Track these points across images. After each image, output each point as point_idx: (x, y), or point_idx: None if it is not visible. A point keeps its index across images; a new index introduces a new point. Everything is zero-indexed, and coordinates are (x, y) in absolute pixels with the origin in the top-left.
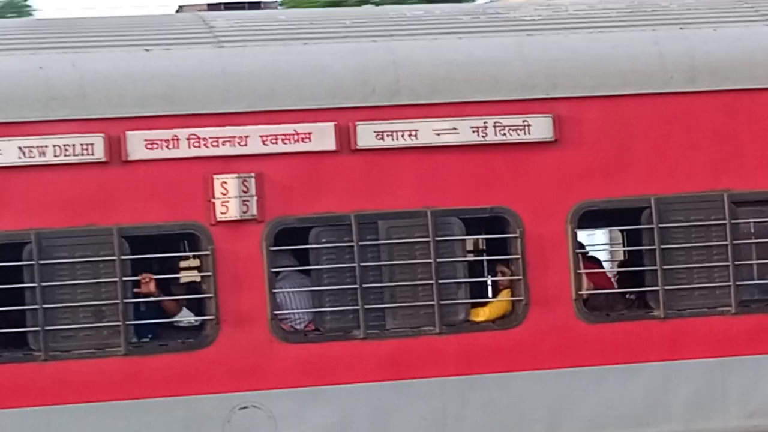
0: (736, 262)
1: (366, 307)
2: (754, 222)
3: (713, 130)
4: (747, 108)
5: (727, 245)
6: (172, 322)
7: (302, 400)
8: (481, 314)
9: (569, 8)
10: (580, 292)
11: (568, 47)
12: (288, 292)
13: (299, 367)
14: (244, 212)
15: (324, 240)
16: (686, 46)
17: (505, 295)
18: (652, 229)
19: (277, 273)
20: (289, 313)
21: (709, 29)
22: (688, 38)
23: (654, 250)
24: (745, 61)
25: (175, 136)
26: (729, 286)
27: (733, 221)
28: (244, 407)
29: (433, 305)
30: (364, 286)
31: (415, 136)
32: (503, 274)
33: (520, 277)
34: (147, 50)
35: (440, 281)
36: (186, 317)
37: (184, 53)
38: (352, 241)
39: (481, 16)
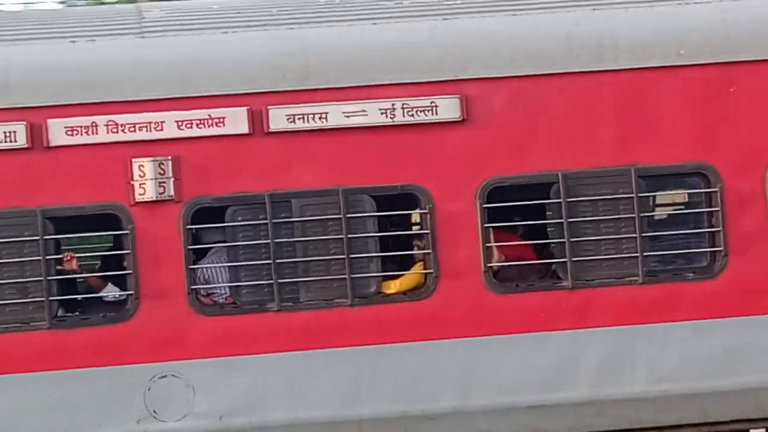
0: (643, 234)
1: (280, 281)
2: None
3: (621, 106)
4: (654, 85)
5: (634, 217)
6: (100, 296)
7: (219, 370)
8: (393, 287)
9: None
10: (489, 265)
11: (480, 30)
12: (213, 267)
13: (216, 338)
14: (161, 193)
15: (240, 218)
16: (596, 26)
17: (418, 269)
18: (560, 203)
19: (198, 250)
20: (213, 287)
21: (621, 9)
22: (598, 18)
23: (562, 223)
24: (653, 39)
25: (94, 122)
26: (636, 256)
27: (640, 194)
28: (164, 376)
29: (345, 279)
30: (278, 261)
31: (325, 118)
32: (419, 248)
33: (430, 251)
34: (72, 42)
35: (351, 256)
36: (111, 292)
37: (106, 44)
38: (266, 218)
39: (405, 1)
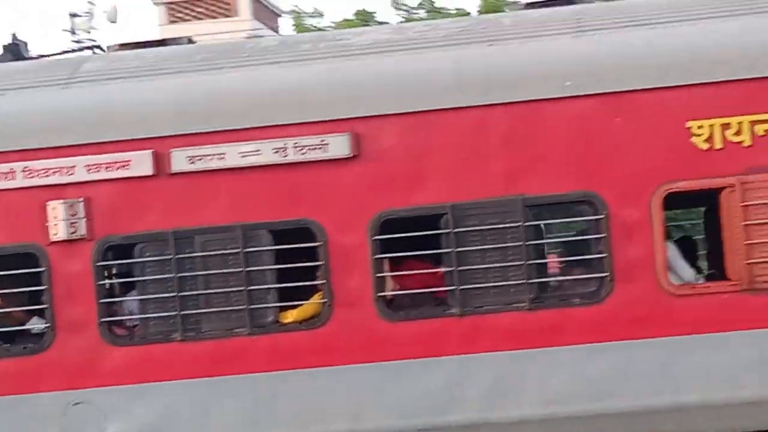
0: (529, 262)
1: (183, 312)
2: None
3: (509, 139)
4: (541, 116)
5: (521, 246)
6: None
7: (129, 396)
8: (289, 316)
9: (405, 32)
10: (380, 294)
11: (372, 71)
12: (131, 300)
13: (126, 367)
14: (73, 233)
15: (147, 254)
16: (483, 61)
17: (316, 299)
18: (449, 233)
19: (122, 284)
20: (132, 318)
21: (507, 44)
22: (486, 54)
23: (450, 253)
24: (539, 72)
25: (12, 169)
26: (523, 283)
27: (527, 223)
28: (78, 403)
29: (244, 310)
30: (182, 294)
31: (224, 158)
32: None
33: (324, 282)
34: (1, 95)
35: (250, 288)
36: (36, 324)
37: (30, 96)
38: (171, 254)
39: (320, 44)
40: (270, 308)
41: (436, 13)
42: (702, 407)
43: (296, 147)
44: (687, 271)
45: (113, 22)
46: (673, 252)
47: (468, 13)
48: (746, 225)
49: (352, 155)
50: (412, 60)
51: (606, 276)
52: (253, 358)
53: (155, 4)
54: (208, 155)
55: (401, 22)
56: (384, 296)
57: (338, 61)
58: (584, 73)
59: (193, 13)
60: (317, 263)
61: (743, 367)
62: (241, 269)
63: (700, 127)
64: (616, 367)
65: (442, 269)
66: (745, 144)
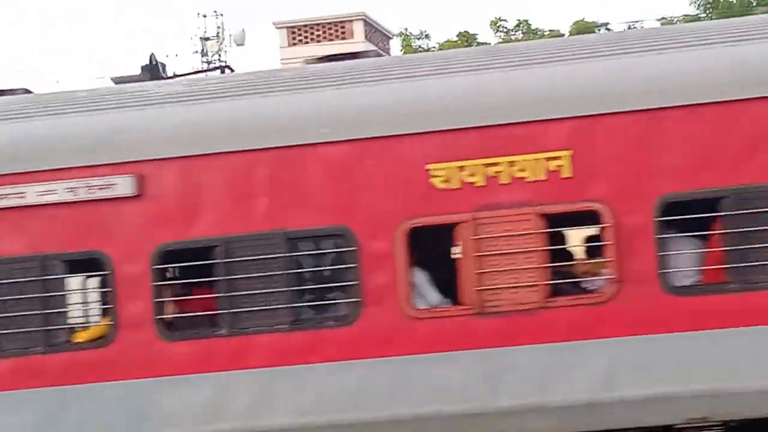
0: (290, 288)
1: None
2: (308, 254)
3: (273, 180)
4: (301, 160)
5: (283, 274)
6: None
7: None
8: (81, 337)
9: (197, 84)
10: (159, 317)
11: (156, 119)
12: None
13: None
14: None
15: None
16: (255, 111)
17: (105, 321)
18: (221, 263)
19: None
20: None
21: (276, 96)
22: (259, 105)
23: (222, 280)
24: (300, 120)
25: None
26: (284, 308)
27: (288, 254)
28: None
29: (39, 330)
30: None
31: (24, 197)
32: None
33: (111, 306)
34: None
35: (46, 311)
36: None
37: None
38: None
39: (122, 95)
40: (63, 329)
41: (532, 34)
42: (437, 417)
43: (87, 187)
44: (433, 296)
45: (240, 44)
46: (421, 279)
47: (562, 34)
48: (477, 256)
49: (136, 194)
50: (193, 110)
51: (355, 301)
52: (47, 374)
53: (277, 28)
54: (10, 194)
55: (499, 42)
56: (163, 319)
57: (129, 111)
58: (339, 121)
59: (312, 36)
60: (105, 289)
61: (472, 382)
62: (37, 295)
63: (438, 169)
64: (361, 382)
65: (214, 295)
66: (479, 184)
